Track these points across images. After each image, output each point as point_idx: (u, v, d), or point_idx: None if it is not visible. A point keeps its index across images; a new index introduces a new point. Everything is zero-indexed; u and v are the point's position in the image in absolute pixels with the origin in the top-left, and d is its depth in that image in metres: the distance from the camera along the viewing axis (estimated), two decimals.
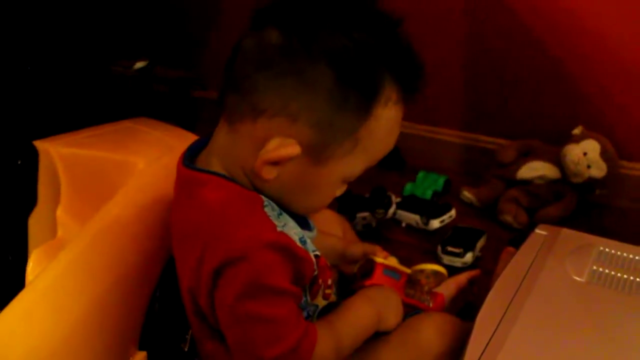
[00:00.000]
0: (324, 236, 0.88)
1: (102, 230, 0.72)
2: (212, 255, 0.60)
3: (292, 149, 0.60)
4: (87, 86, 1.37)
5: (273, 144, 0.60)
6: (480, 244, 1.17)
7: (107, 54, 1.59)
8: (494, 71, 1.41)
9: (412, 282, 0.87)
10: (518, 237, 1.12)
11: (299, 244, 0.63)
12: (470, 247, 1.14)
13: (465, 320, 0.78)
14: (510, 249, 0.95)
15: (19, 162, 0.81)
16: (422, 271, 0.93)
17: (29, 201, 0.83)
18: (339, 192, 0.69)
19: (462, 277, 1.00)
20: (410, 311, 0.80)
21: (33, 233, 0.83)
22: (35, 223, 0.83)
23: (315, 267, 0.65)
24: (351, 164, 0.64)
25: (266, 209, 0.63)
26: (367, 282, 0.81)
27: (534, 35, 1.33)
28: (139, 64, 1.49)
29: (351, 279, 0.87)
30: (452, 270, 1.13)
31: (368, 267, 0.83)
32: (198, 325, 0.67)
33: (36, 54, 1.23)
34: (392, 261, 0.85)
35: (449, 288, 0.96)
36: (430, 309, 0.85)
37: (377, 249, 0.86)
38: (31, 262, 0.74)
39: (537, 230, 0.89)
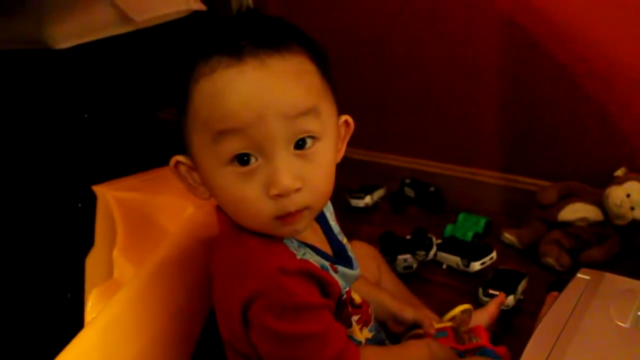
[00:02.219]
0: (378, 290, 0.91)
1: (155, 273, 0.76)
2: (239, 291, 0.62)
3: (175, 157, 0.68)
4: (138, 132, 1.44)
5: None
6: (521, 286, 1.16)
7: (155, 101, 1.66)
8: (534, 112, 1.42)
9: (454, 330, 0.89)
10: (558, 282, 1.12)
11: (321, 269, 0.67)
12: (511, 290, 1.13)
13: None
14: (555, 293, 0.95)
15: (79, 205, 0.86)
16: (453, 318, 0.94)
17: (87, 242, 0.87)
18: (244, 186, 0.64)
19: (492, 307, 1.02)
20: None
21: (90, 273, 0.87)
22: (92, 263, 0.88)
23: (342, 290, 0.68)
24: (199, 145, 0.65)
25: (285, 242, 0.67)
26: None
27: (574, 77, 1.33)
28: None
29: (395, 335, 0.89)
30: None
31: (417, 336, 0.86)
32: None
33: (92, 103, 1.31)
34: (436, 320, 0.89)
35: (483, 319, 0.98)
36: (483, 343, 0.87)
37: (427, 320, 0.87)
38: (90, 302, 0.78)
39: (579, 275, 0.89)
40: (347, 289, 0.71)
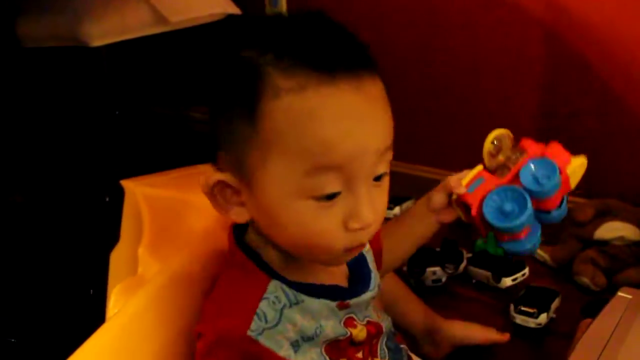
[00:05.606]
0: (405, 299, 0.86)
1: (180, 271, 0.74)
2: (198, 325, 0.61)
3: (213, 175, 0.59)
4: (168, 130, 1.44)
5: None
6: (554, 305, 1.12)
7: (185, 100, 1.67)
8: (570, 126, 1.38)
9: (490, 168, 0.78)
10: (593, 303, 1.07)
11: (288, 350, 0.58)
12: (544, 308, 1.09)
13: None
14: (588, 320, 0.92)
15: (107, 199, 0.85)
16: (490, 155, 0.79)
17: (112, 237, 0.86)
18: (322, 219, 0.57)
19: (493, 335, 1.02)
20: None
21: (114, 268, 0.86)
22: (117, 259, 0.86)
23: (339, 336, 0.62)
24: (279, 172, 0.56)
25: (262, 303, 0.58)
26: (473, 213, 0.74)
27: (613, 89, 1.30)
28: None
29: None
30: (524, 331, 1.09)
31: None
32: None
33: (123, 101, 1.31)
34: (465, 174, 0.77)
35: (474, 334, 1.00)
36: (531, 156, 0.75)
37: (452, 181, 0.76)
38: (112, 297, 0.77)
39: (620, 293, 0.85)
40: (347, 334, 0.63)
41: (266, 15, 0.62)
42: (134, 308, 0.69)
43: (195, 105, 1.73)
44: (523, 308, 1.09)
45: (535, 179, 0.73)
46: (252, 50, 0.56)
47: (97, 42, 1.38)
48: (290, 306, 0.59)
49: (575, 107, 1.36)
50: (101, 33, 1.39)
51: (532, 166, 0.74)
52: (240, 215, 0.61)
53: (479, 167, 0.77)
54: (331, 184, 0.55)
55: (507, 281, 1.20)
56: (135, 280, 0.79)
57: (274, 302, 0.59)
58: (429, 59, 1.53)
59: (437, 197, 0.77)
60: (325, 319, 0.61)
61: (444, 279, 1.24)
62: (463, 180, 0.76)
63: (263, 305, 0.58)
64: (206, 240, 0.81)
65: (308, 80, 0.54)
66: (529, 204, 0.71)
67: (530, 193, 0.72)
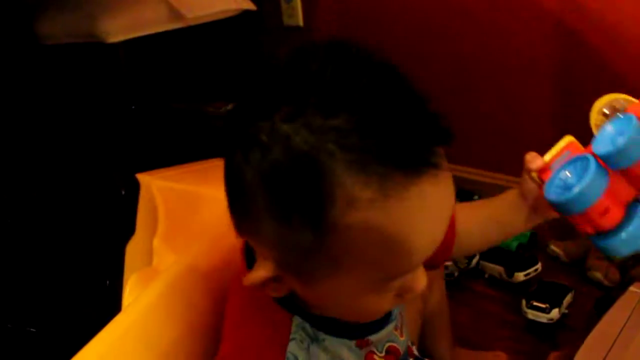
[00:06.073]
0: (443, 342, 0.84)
1: (195, 262, 0.75)
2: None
3: (263, 272, 0.50)
4: (183, 125, 1.45)
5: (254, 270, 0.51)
6: (567, 300, 1.12)
7: (203, 95, 1.68)
8: (585, 121, 1.37)
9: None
10: (606, 298, 1.07)
11: None
12: (556, 303, 1.09)
13: None
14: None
15: (123, 192, 0.87)
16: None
17: (128, 229, 0.87)
18: (379, 301, 0.52)
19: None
20: None
21: (129, 260, 0.88)
22: (132, 250, 0.88)
23: None
24: (347, 282, 0.48)
25: (291, 344, 0.53)
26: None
27: (628, 83, 1.29)
28: (232, 106, 1.57)
29: None
30: (535, 327, 1.09)
31: None
32: None
33: (141, 97, 1.33)
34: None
35: None
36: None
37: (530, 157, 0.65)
38: (128, 287, 0.78)
39: (632, 288, 0.85)
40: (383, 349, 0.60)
41: (301, 59, 0.46)
42: (149, 298, 0.70)
43: (212, 100, 1.74)
44: (535, 303, 1.09)
45: (611, 141, 0.56)
46: (305, 131, 0.43)
47: (113, 39, 1.39)
48: (312, 342, 0.55)
49: (588, 100, 1.35)
50: (117, 29, 1.40)
51: (610, 127, 0.58)
52: (279, 290, 0.52)
53: (568, 138, 0.64)
54: (403, 282, 0.50)
55: (520, 276, 1.20)
56: (150, 271, 0.81)
57: (301, 341, 0.54)
58: (436, 57, 1.54)
59: (525, 182, 0.66)
60: (346, 357, 0.57)
61: (456, 274, 1.24)
62: (547, 155, 0.63)
63: (292, 348, 0.53)
64: (220, 233, 0.82)
65: (389, 184, 0.43)
66: (593, 167, 0.55)
67: (606, 159, 0.55)
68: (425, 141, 0.45)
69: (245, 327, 0.57)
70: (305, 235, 0.45)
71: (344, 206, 0.43)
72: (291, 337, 0.54)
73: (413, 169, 0.43)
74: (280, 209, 0.45)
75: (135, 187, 0.87)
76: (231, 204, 0.51)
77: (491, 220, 0.73)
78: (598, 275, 1.21)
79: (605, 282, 1.20)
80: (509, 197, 0.70)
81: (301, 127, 0.43)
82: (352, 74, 0.45)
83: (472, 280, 1.26)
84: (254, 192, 0.46)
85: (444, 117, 0.46)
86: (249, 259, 0.55)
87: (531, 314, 1.09)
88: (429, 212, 0.46)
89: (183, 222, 0.86)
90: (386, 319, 0.61)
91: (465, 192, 1.52)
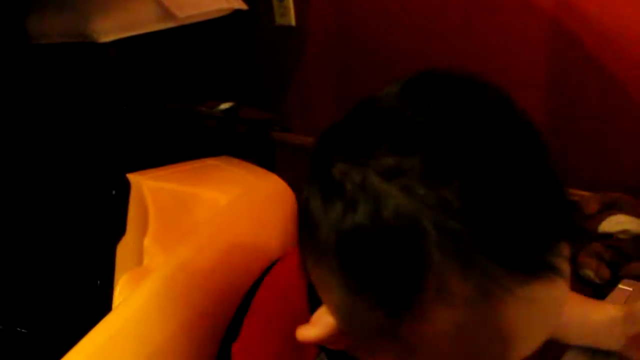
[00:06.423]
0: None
1: (182, 264, 0.75)
2: None
3: (323, 330, 0.44)
4: (175, 125, 1.45)
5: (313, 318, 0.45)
6: None
7: (195, 94, 1.68)
8: (575, 120, 1.38)
9: None
10: (596, 296, 1.07)
11: None
12: None
13: None
14: None
15: (113, 193, 0.87)
16: None
17: (119, 229, 0.87)
18: None
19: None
20: None
21: (120, 260, 0.88)
22: (123, 250, 0.88)
23: None
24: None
25: None
26: None
27: (620, 85, 1.30)
28: (225, 105, 1.57)
29: None
30: None
31: None
32: None
33: (132, 96, 1.33)
34: None
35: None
36: None
37: None
38: (118, 288, 0.78)
39: (621, 286, 0.86)
40: None
41: (419, 91, 0.38)
42: (139, 298, 0.71)
43: (203, 100, 1.74)
44: None
45: None
46: (402, 197, 0.35)
47: (105, 38, 1.39)
48: None
49: (580, 102, 1.36)
50: (109, 29, 1.40)
51: None
52: (336, 344, 0.46)
53: None
54: None
55: None
56: (141, 271, 0.81)
57: None
58: (432, 58, 1.54)
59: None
60: None
61: None
62: None
63: None
64: (211, 232, 0.82)
65: (493, 283, 0.35)
66: None
67: None
68: (549, 239, 0.36)
69: (272, 333, 0.54)
70: (377, 315, 0.38)
71: (432, 296, 0.35)
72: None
73: (524, 273, 0.35)
74: (354, 278, 0.38)
75: (126, 187, 0.87)
76: (301, 240, 0.44)
77: (580, 329, 0.65)
78: (589, 272, 1.22)
79: (596, 280, 1.21)
80: (610, 313, 0.61)
81: (399, 189, 0.35)
82: (477, 129, 0.36)
83: None
84: (327, 249, 0.39)
85: (577, 207, 0.40)
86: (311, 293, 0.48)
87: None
88: (533, 320, 0.38)
89: (174, 222, 0.86)
90: None
91: None
